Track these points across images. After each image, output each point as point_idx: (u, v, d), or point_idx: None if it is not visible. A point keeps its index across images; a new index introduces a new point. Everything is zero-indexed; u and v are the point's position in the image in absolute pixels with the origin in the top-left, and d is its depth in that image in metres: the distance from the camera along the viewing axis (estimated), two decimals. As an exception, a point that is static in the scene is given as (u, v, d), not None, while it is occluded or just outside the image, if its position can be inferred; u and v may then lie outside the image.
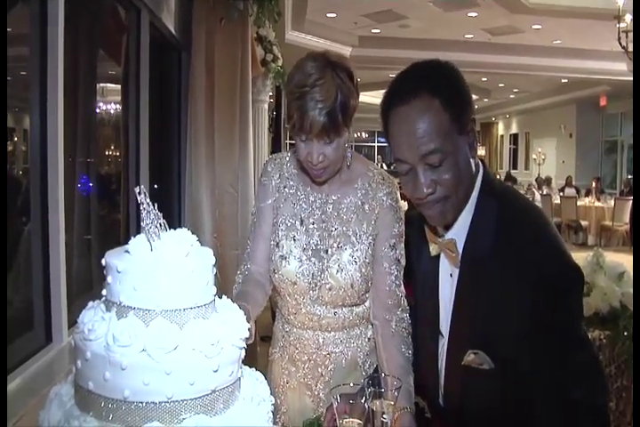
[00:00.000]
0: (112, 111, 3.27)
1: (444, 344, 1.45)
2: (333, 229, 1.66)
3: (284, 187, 1.72)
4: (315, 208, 1.69)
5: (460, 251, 1.34)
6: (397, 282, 1.65)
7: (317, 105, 1.47)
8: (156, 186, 3.45)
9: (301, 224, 1.68)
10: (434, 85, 1.27)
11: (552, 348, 1.25)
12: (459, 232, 1.35)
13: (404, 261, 1.66)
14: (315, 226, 1.67)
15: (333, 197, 1.68)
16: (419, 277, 1.57)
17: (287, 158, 1.76)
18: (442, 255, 1.43)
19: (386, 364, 1.59)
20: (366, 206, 1.66)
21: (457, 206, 1.32)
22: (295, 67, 1.57)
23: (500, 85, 16.11)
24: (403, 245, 1.67)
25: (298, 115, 1.50)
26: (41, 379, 1.70)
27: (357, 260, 1.63)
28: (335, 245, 1.65)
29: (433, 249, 1.43)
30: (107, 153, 3.40)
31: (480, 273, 1.30)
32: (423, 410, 1.63)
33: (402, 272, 1.66)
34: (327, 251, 1.65)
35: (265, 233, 1.71)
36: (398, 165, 1.32)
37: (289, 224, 1.68)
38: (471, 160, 1.32)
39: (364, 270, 1.63)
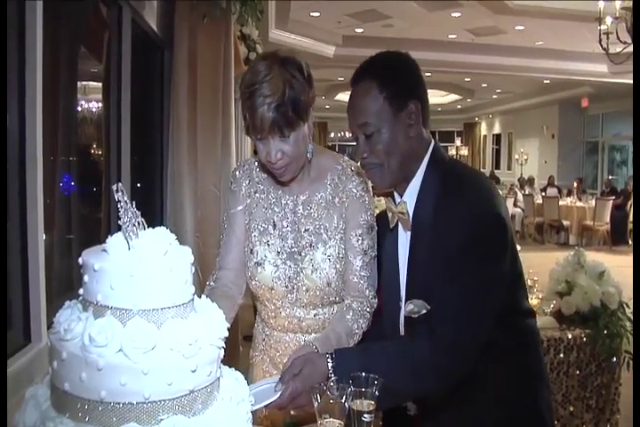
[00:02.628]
0: (94, 109, 3.24)
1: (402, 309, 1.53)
2: (305, 229, 1.65)
3: (255, 192, 1.71)
4: (287, 211, 1.68)
5: (411, 214, 1.51)
6: (362, 273, 1.64)
7: (266, 100, 1.47)
8: (139, 185, 3.42)
9: (274, 228, 1.67)
10: (375, 71, 1.50)
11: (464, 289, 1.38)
12: (410, 198, 1.52)
13: (372, 253, 1.66)
14: (288, 228, 1.67)
15: (303, 197, 1.67)
16: (384, 259, 1.64)
17: (256, 163, 1.74)
18: (399, 227, 1.57)
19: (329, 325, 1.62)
20: (336, 200, 1.66)
21: (395, 174, 1.50)
22: (248, 68, 1.58)
23: (484, 86, 16.20)
24: (372, 237, 1.67)
25: (249, 114, 1.50)
26: (20, 379, 1.67)
27: (331, 257, 1.63)
28: (308, 245, 1.64)
29: (391, 219, 1.56)
30: (89, 152, 3.37)
31: (424, 231, 1.47)
32: (406, 408, 1.64)
33: (370, 264, 1.66)
34: (301, 253, 1.64)
35: (237, 239, 1.71)
36: (352, 135, 1.55)
37: (262, 229, 1.67)
38: (411, 137, 1.49)
39: (338, 266, 1.63)
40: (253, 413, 1.11)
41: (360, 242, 1.64)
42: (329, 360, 1.38)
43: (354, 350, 1.51)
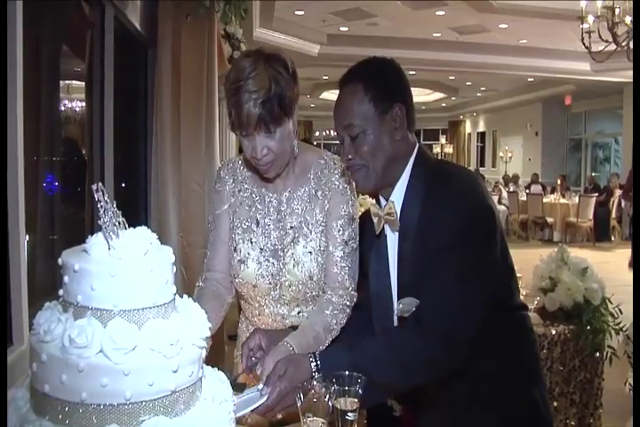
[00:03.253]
0: (77, 109, 3.21)
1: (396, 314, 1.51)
2: (290, 226, 1.66)
3: (239, 191, 1.71)
4: (270, 208, 1.68)
5: (399, 214, 1.51)
6: (342, 264, 1.64)
7: (251, 96, 1.48)
8: (123, 184, 3.40)
9: (258, 226, 1.67)
10: (361, 74, 1.52)
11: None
12: (397, 197, 1.53)
13: (353, 244, 1.66)
14: (271, 226, 1.67)
15: (286, 194, 1.68)
16: (372, 267, 1.63)
17: (240, 162, 1.75)
18: (387, 232, 1.57)
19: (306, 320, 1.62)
20: (319, 193, 1.67)
21: (379, 176, 1.51)
22: (232, 65, 1.58)
23: (468, 84, 16.27)
24: (353, 228, 1.68)
25: (235, 110, 1.50)
26: (1, 382, 1.66)
27: (312, 250, 1.63)
28: (289, 239, 1.64)
29: (377, 225, 1.56)
30: (73, 151, 3.34)
31: (413, 228, 1.47)
32: (391, 408, 1.65)
33: (351, 256, 1.66)
34: (284, 249, 1.65)
35: (223, 240, 1.71)
36: (337, 136, 1.55)
37: (245, 227, 1.68)
38: (397, 140, 1.50)
39: (320, 260, 1.63)
40: (238, 420, 1.10)
41: (341, 233, 1.65)
42: (312, 360, 1.38)
43: (338, 347, 1.51)
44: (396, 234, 1.53)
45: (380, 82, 1.51)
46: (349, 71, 1.56)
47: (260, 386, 1.36)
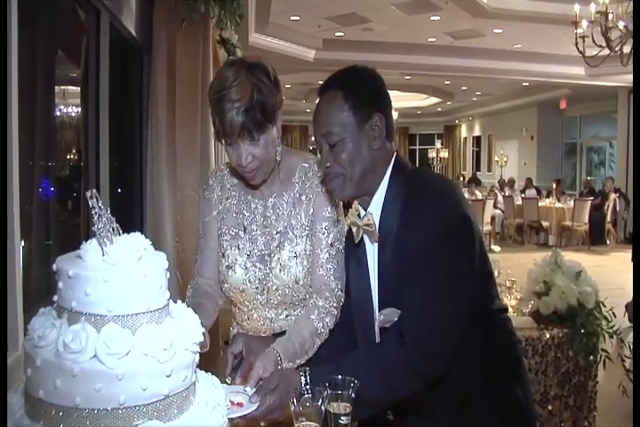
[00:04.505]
0: (73, 114, 3.22)
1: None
2: (277, 231, 1.68)
3: (227, 198, 1.74)
4: (257, 214, 1.71)
5: (377, 225, 1.52)
6: (328, 266, 1.66)
7: (234, 105, 1.50)
8: (119, 190, 3.41)
9: (245, 232, 1.70)
10: (341, 82, 1.53)
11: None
12: (375, 210, 1.53)
13: (338, 246, 1.68)
14: (258, 232, 1.70)
15: (272, 200, 1.70)
16: (352, 275, 1.64)
17: (227, 170, 1.78)
18: (366, 241, 1.57)
19: (293, 325, 1.63)
20: (303, 197, 1.69)
21: (356, 185, 1.51)
22: (215, 75, 1.60)
23: (463, 88, 16.32)
24: (338, 230, 1.69)
25: (218, 119, 1.52)
26: (-4, 388, 1.66)
27: (298, 254, 1.65)
28: (275, 244, 1.67)
29: (356, 234, 1.57)
30: (68, 157, 3.34)
31: (391, 239, 1.47)
32: (384, 412, 1.66)
33: (336, 257, 1.67)
34: (270, 254, 1.67)
35: (212, 246, 1.74)
36: (316, 144, 1.56)
37: (233, 234, 1.70)
38: (375, 149, 1.51)
39: (305, 263, 1.65)
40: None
41: (326, 235, 1.67)
42: (302, 378, 1.40)
43: (326, 368, 1.46)
44: (375, 244, 1.54)
45: (360, 91, 1.51)
46: (329, 79, 1.57)
47: (248, 388, 1.39)
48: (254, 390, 1.40)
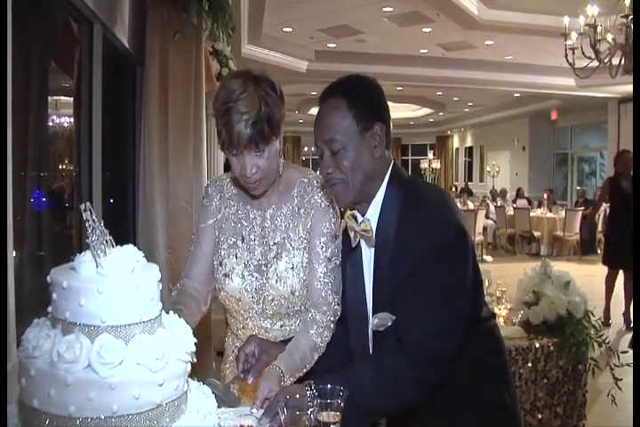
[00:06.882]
0: (66, 125, 3.23)
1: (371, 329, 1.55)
2: (274, 242, 1.70)
3: (225, 207, 1.76)
4: (255, 225, 1.73)
5: (374, 231, 1.54)
6: (326, 280, 1.68)
7: (242, 117, 1.52)
8: (111, 200, 3.42)
9: (243, 242, 1.72)
10: (345, 91, 1.55)
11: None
12: (372, 215, 1.56)
13: (336, 261, 1.70)
14: (256, 242, 1.71)
15: (270, 211, 1.72)
16: (348, 279, 1.67)
17: (227, 180, 1.80)
18: (362, 245, 1.60)
19: (293, 341, 1.63)
20: (302, 211, 1.71)
21: (357, 191, 1.54)
22: (220, 86, 1.62)
23: (455, 99, 16.43)
24: (336, 245, 1.71)
25: (225, 130, 1.54)
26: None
27: (295, 266, 1.67)
28: (273, 255, 1.68)
29: (353, 239, 1.60)
30: (61, 167, 3.35)
31: (388, 246, 1.50)
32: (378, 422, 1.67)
33: (334, 272, 1.69)
34: (267, 264, 1.69)
35: (204, 252, 1.75)
36: (316, 149, 1.58)
37: (231, 243, 1.72)
38: (376, 158, 1.54)
39: (302, 275, 1.67)
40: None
41: (324, 249, 1.69)
42: (308, 393, 1.37)
43: (330, 380, 1.43)
44: (372, 249, 1.57)
45: (363, 100, 1.54)
46: (332, 87, 1.59)
47: (254, 410, 1.39)
48: (261, 411, 1.39)
